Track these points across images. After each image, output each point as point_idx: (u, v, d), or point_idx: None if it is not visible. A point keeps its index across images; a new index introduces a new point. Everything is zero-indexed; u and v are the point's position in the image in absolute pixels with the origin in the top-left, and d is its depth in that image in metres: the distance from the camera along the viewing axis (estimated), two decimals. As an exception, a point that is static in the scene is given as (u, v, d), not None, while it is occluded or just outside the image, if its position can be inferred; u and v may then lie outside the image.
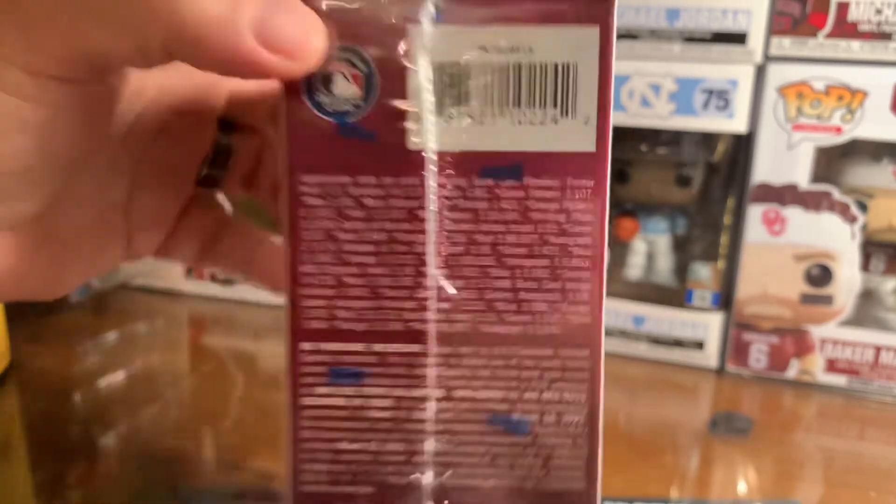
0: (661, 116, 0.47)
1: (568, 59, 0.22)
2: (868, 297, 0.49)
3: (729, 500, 0.38)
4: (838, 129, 0.45)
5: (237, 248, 0.30)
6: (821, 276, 0.47)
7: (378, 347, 0.24)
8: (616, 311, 0.52)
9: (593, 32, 0.22)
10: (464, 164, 0.23)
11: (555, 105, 0.23)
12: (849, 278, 0.47)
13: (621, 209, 0.54)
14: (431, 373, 0.25)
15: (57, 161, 0.21)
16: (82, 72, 0.19)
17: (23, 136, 0.19)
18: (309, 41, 0.19)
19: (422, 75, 0.22)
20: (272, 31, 0.18)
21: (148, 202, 0.27)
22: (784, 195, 0.47)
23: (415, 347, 0.25)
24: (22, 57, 0.18)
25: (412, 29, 0.22)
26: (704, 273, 0.51)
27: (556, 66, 0.22)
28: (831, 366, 0.49)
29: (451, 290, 0.24)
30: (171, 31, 0.17)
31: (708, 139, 0.50)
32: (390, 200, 0.23)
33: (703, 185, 0.52)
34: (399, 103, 0.22)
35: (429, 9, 0.21)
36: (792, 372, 0.49)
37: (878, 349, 0.47)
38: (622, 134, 0.51)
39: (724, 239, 0.50)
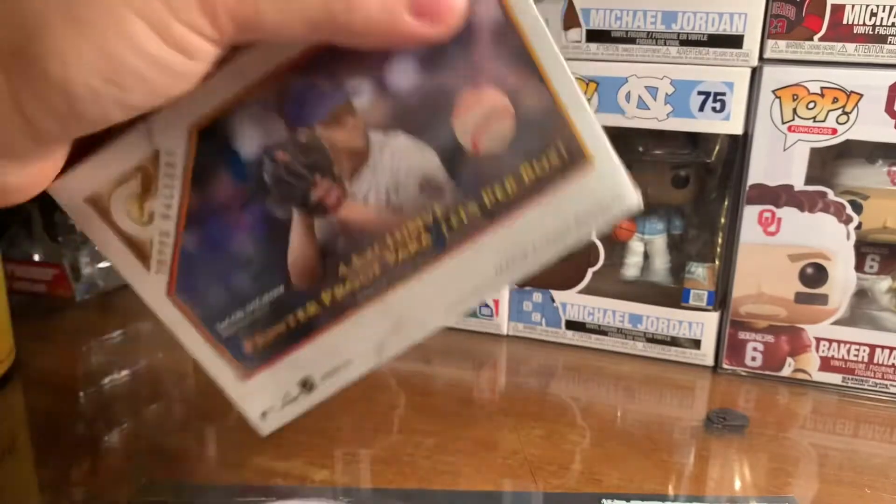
0: (658, 118, 0.48)
1: None
2: (862, 296, 0.50)
3: (725, 497, 0.38)
4: (833, 131, 0.45)
5: None
6: (815, 275, 0.48)
7: None
8: (613, 310, 0.53)
9: None
10: None
11: None
12: (843, 278, 0.47)
13: (619, 209, 0.54)
14: None
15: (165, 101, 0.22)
16: (241, 40, 0.20)
17: (169, 79, 0.20)
18: (455, 10, 0.21)
19: None
20: (425, 6, 0.20)
21: None
22: (779, 196, 0.47)
23: None
24: (199, 19, 0.19)
25: None
26: (700, 272, 0.51)
27: None
28: (826, 364, 0.49)
29: None
30: (344, 25, 0.20)
31: (704, 141, 0.51)
32: None
33: (699, 186, 0.52)
34: None
35: None
36: (787, 370, 0.50)
37: (872, 348, 0.48)
38: (619, 135, 0.51)
39: (720, 239, 0.50)
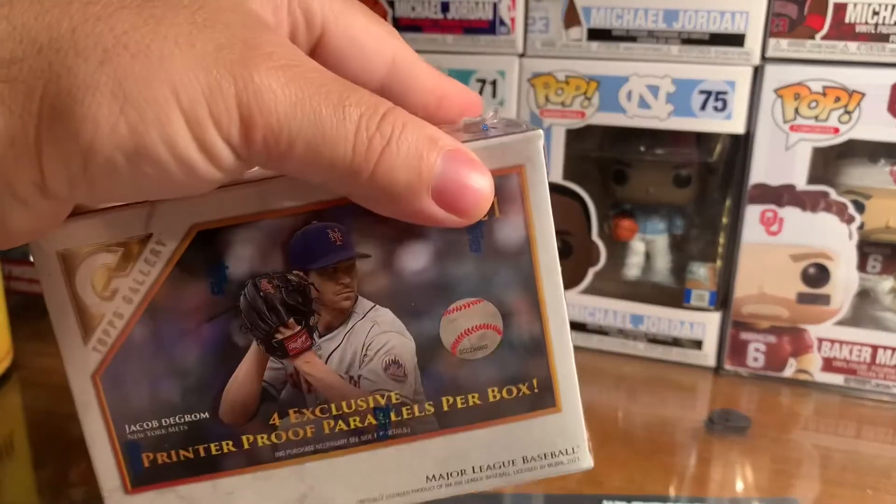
0: (660, 117, 0.48)
1: None
2: (865, 296, 0.50)
3: (727, 499, 0.38)
4: (835, 130, 0.45)
5: None
6: (818, 275, 0.48)
7: None
8: (614, 311, 0.53)
9: None
10: None
11: None
12: (846, 278, 0.47)
13: (620, 210, 0.54)
14: None
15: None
16: (267, 167, 0.21)
17: (186, 179, 0.20)
18: (478, 209, 0.22)
19: None
20: (449, 195, 0.21)
21: None
22: (781, 195, 0.47)
23: None
24: (236, 134, 0.20)
25: None
26: (702, 273, 0.51)
27: None
28: (828, 365, 0.49)
29: None
30: (364, 187, 0.21)
31: (706, 140, 0.50)
32: None
33: (700, 186, 0.52)
34: None
35: None
36: (789, 371, 0.50)
37: (874, 348, 0.48)
38: (621, 135, 0.51)
39: (721, 239, 0.50)
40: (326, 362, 0.24)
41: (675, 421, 0.46)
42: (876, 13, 0.43)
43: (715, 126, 0.47)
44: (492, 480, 0.25)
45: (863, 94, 0.44)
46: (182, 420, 0.25)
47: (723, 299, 0.51)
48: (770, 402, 0.48)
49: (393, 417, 0.25)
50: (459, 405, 0.25)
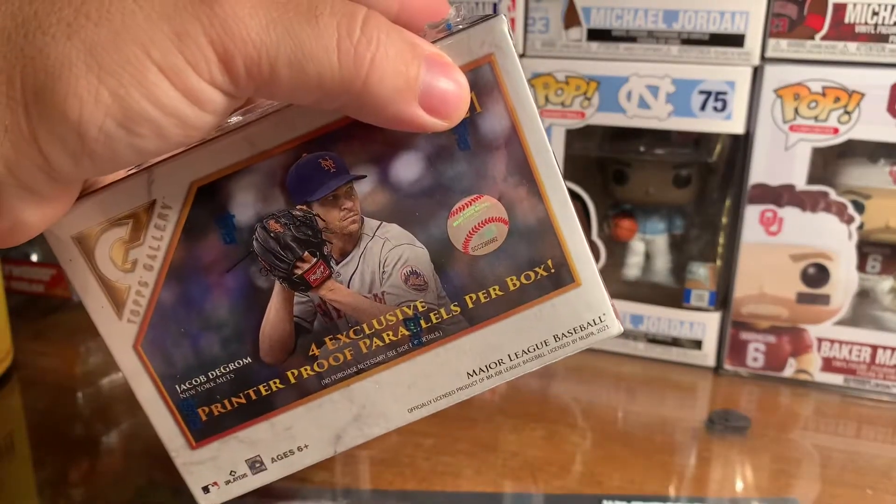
0: (660, 118, 0.48)
1: None
2: (864, 296, 0.50)
3: (726, 499, 0.38)
4: (835, 131, 0.45)
5: None
6: (817, 275, 0.48)
7: None
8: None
9: None
10: None
11: None
12: (845, 278, 0.47)
13: (620, 209, 0.54)
14: None
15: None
16: (256, 97, 0.21)
17: (182, 129, 0.20)
18: (459, 111, 0.22)
19: None
20: (434, 101, 0.21)
21: None
22: (781, 196, 0.47)
23: None
24: (217, 73, 0.20)
25: None
26: (702, 273, 0.51)
27: None
28: (828, 365, 0.49)
29: None
30: (356, 98, 0.21)
31: (705, 140, 0.51)
32: None
33: (700, 186, 0.52)
34: None
35: None
36: (789, 371, 0.50)
37: (874, 348, 0.48)
38: (621, 135, 0.51)
39: (721, 239, 0.50)
40: (349, 286, 0.25)
41: (675, 421, 0.46)
42: (875, 13, 0.43)
43: (715, 126, 0.47)
44: (530, 364, 0.26)
45: (862, 95, 0.44)
46: (227, 369, 0.26)
47: (722, 299, 0.51)
48: (770, 402, 0.48)
49: (423, 325, 0.25)
50: (483, 300, 0.25)
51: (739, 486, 0.39)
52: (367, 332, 0.25)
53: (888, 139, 0.45)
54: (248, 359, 0.26)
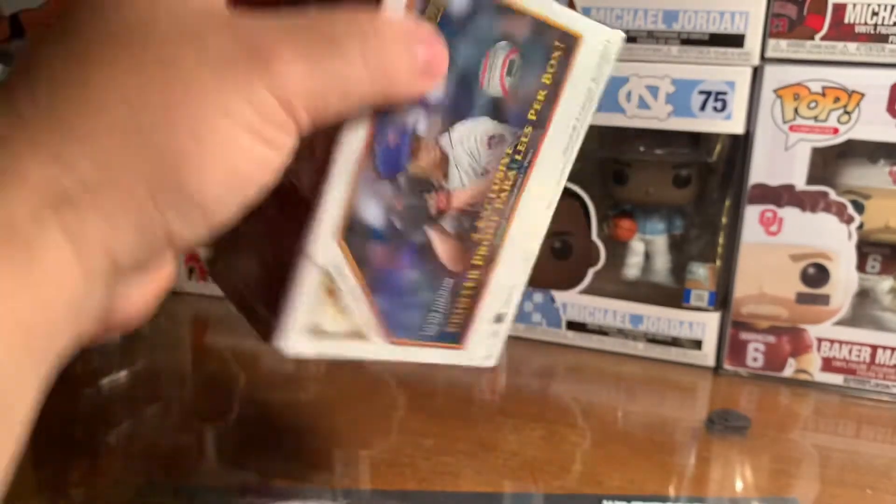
0: (659, 118, 0.48)
1: None
2: (864, 296, 0.50)
3: (726, 498, 0.38)
4: (835, 131, 0.45)
5: None
6: (817, 275, 0.48)
7: None
8: (614, 311, 0.53)
9: None
10: None
11: None
12: (845, 278, 0.47)
13: (620, 210, 0.54)
14: None
15: None
16: (312, 128, 0.24)
17: (267, 173, 0.23)
18: (442, 67, 0.26)
19: None
20: (429, 67, 0.25)
21: None
22: (781, 196, 0.47)
23: None
24: (283, 118, 0.23)
25: None
26: (702, 273, 0.51)
27: None
28: (828, 365, 0.49)
29: None
30: (385, 98, 0.25)
31: (705, 140, 0.51)
32: None
33: (700, 186, 0.52)
34: None
35: None
36: (789, 371, 0.50)
37: (874, 348, 0.48)
38: (621, 135, 0.51)
39: (721, 239, 0.50)
40: (465, 187, 0.29)
41: (675, 421, 0.46)
42: (875, 13, 0.43)
43: (714, 126, 0.47)
44: (590, 111, 0.31)
45: (862, 95, 0.44)
46: (442, 297, 0.31)
47: (722, 299, 0.51)
48: (769, 401, 0.48)
49: (518, 157, 0.30)
50: (538, 107, 0.29)
51: (739, 486, 0.39)
52: (494, 195, 0.30)
53: (888, 139, 0.45)
54: (450, 279, 0.31)
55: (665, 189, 0.52)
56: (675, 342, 0.52)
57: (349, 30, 0.23)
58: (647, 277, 0.55)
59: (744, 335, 0.50)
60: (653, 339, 0.52)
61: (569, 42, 0.29)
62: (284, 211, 0.29)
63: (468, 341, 0.33)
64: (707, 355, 0.52)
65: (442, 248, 0.30)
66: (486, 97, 0.28)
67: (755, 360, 0.50)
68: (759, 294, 0.49)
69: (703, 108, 0.47)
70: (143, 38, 0.22)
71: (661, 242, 0.54)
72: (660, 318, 0.52)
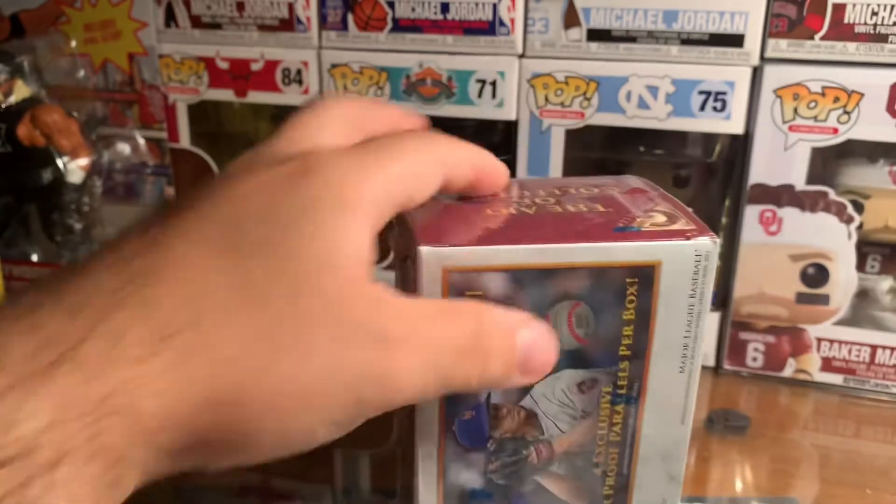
0: (659, 118, 0.48)
1: None
2: (864, 296, 0.50)
3: (726, 498, 0.38)
4: (834, 131, 0.45)
5: None
6: (817, 275, 0.48)
7: None
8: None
9: None
10: None
11: None
12: (845, 278, 0.47)
13: (619, 209, 0.54)
14: None
15: None
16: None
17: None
18: (546, 370, 0.25)
19: None
20: (530, 365, 0.24)
21: None
22: (781, 196, 0.47)
23: None
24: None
25: None
26: (702, 273, 0.51)
27: None
28: (827, 364, 0.49)
29: None
30: (479, 385, 0.24)
31: (705, 140, 0.51)
32: None
33: (700, 186, 0.52)
34: None
35: None
36: (788, 371, 0.50)
37: (873, 348, 0.48)
38: (620, 135, 0.51)
39: (720, 239, 0.50)
40: (564, 433, 0.28)
41: (675, 421, 0.46)
42: (875, 13, 0.43)
43: (714, 126, 0.47)
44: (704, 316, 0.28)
45: (862, 95, 0.44)
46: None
47: (722, 299, 0.51)
48: (769, 401, 0.48)
49: (621, 392, 0.27)
50: (628, 342, 0.27)
51: (739, 485, 0.39)
52: (605, 433, 0.28)
53: (887, 139, 0.45)
54: None
55: (665, 189, 0.52)
56: (674, 342, 0.52)
57: (493, 345, 0.23)
58: (646, 277, 0.55)
59: (743, 335, 0.50)
60: (652, 339, 0.52)
61: (643, 273, 0.26)
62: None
63: None
64: (707, 355, 0.52)
65: (559, 489, 0.29)
66: (565, 343, 0.26)
67: (755, 359, 0.50)
68: (759, 294, 0.49)
69: (702, 108, 0.47)
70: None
71: (660, 242, 0.54)
72: (659, 317, 0.52)
